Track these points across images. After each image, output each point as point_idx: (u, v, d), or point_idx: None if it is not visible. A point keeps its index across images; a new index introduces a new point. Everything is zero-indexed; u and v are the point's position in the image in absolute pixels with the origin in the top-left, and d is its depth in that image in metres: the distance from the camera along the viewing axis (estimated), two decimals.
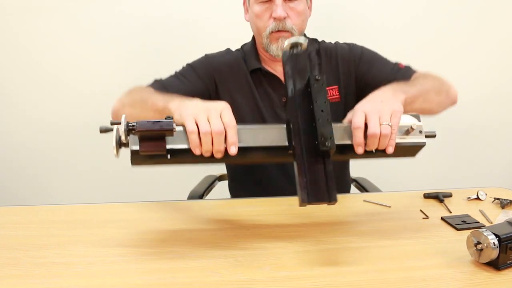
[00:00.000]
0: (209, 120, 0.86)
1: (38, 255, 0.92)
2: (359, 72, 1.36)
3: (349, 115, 0.95)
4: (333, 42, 1.43)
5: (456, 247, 0.93)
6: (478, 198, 1.21)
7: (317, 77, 0.89)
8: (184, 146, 0.88)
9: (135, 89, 1.22)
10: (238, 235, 1.01)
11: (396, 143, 0.92)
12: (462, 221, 1.06)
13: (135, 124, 0.83)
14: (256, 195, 1.23)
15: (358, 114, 0.90)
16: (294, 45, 0.94)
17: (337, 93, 1.36)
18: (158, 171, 2.06)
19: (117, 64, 2.02)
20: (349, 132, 0.92)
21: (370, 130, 0.88)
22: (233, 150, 0.87)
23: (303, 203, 0.83)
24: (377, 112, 0.90)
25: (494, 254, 0.83)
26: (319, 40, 1.43)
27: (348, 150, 0.93)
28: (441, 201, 1.20)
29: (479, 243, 0.85)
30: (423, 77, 1.21)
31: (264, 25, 1.28)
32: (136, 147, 0.86)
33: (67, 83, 2.03)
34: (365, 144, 0.90)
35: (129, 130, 0.84)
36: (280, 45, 1.27)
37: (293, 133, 0.89)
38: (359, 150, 0.90)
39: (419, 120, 0.97)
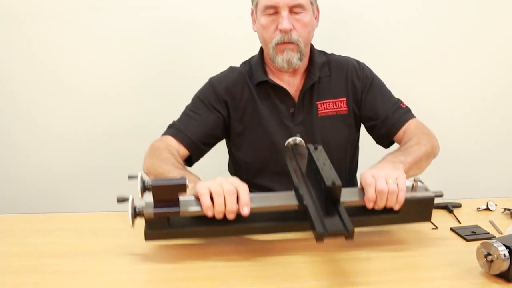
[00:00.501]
0: (221, 185, 0.90)
1: (49, 263, 0.93)
2: (364, 96, 1.38)
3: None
4: (343, 55, 1.44)
5: (465, 258, 0.92)
6: (488, 209, 1.20)
7: (315, 146, 0.98)
8: (197, 208, 0.91)
9: (156, 152, 1.23)
10: (247, 245, 1.01)
11: (405, 198, 0.94)
12: (472, 232, 1.05)
13: (150, 182, 0.88)
14: None
15: (367, 175, 0.95)
16: (294, 142, 1.07)
17: (345, 105, 1.37)
18: None
19: (128, 70, 2.03)
20: (359, 194, 0.95)
21: (378, 187, 0.92)
22: (245, 211, 0.90)
23: (320, 236, 0.80)
24: (384, 174, 0.95)
25: (504, 265, 0.82)
26: (328, 52, 1.45)
27: (360, 213, 0.95)
28: (450, 211, 1.19)
29: (489, 254, 0.84)
30: (416, 142, 1.22)
31: (270, 37, 1.29)
32: (150, 210, 0.89)
33: (78, 90, 2.04)
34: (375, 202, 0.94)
35: (145, 188, 0.88)
36: (285, 57, 1.28)
37: (301, 190, 0.93)
38: (370, 205, 0.94)
39: (422, 183, 1.00)
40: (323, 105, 1.36)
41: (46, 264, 0.92)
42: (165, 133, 1.33)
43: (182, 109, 1.41)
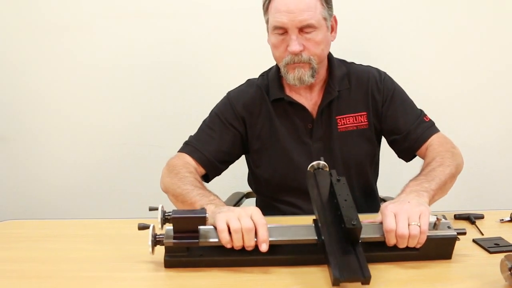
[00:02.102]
0: (240, 220, 0.90)
1: (68, 269, 0.94)
2: (386, 109, 1.35)
3: (378, 217, 0.99)
4: (363, 64, 1.42)
5: (488, 271, 0.90)
6: (511, 220, 1.18)
7: (338, 178, 0.99)
8: (216, 240, 0.92)
9: (174, 171, 1.22)
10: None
11: (427, 236, 0.93)
12: (495, 244, 1.03)
13: (171, 212, 0.90)
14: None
15: (389, 217, 0.93)
16: (317, 167, 1.06)
17: (366, 120, 1.34)
18: None
19: (141, 78, 2.07)
20: (378, 229, 0.95)
21: (399, 231, 0.90)
22: (264, 248, 0.90)
23: (336, 281, 0.81)
24: (406, 212, 0.92)
25: None
26: (348, 61, 1.42)
27: (378, 248, 0.95)
28: (473, 222, 1.17)
29: None
30: (440, 163, 1.18)
31: (280, 56, 1.26)
32: (170, 240, 0.91)
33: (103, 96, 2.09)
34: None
35: (165, 220, 0.90)
36: (296, 75, 1.25)
37: (320, 225, 0.93)
38: (390, 245, 0.93)
39: (446, 219, 0.99)
40: (343, 120, 1.33)
41: (66, 269, 0.93)
42: (182, 150, 1.33)
43: (197, 115, 1.41)
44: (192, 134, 1.38)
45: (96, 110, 2.10)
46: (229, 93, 1.40)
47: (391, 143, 1.38)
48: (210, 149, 1.32)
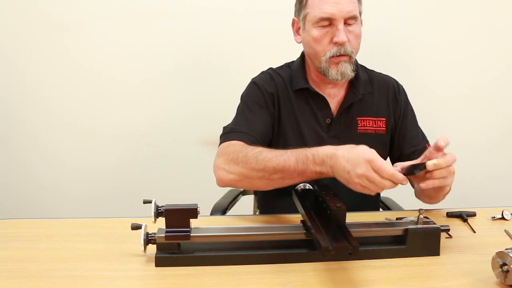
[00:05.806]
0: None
1: (62, 268, 0.93)
2: (400, 121, 1.38)
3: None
4: (383, 72, 1.43)
5: (480, 268, 0.91)
6: (503, 218, 1.19)
7: (323, 184, 1.04)
8: (207, 234, 0.95)
9: (239, 156, 1.15)
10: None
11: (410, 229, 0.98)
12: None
13: (163, 206, 0.93)
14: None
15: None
16: (303, 187, 1.13)
17: (384, 125, 1.36)
18: (181, 185, 2.08)
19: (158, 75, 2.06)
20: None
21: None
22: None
23: (326, 249, 0.81)
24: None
25: None
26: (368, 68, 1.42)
27: (367, 244, 0.96)
28: (465, 220, 1.18)
29: (504, 264, 0.83)
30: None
31: (323, 50, 1.25)
32: (162, 234, 0.93)
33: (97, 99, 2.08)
34: None
35: (158, 213, 0.93)
36: (340, 70, 1.25)
37: (305, 212, 0.97)
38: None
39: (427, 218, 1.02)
40: (364, 121, 1.34)
41: (59, 269, 0.93)
42: (228, 139, 1.25)
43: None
44: (227, 125, 1.32)
45: (93, 110, 2.09)
46: (253, 80, 1.39)
47: (393, 155, 1.41)
48: (257, 130, 1.28)
